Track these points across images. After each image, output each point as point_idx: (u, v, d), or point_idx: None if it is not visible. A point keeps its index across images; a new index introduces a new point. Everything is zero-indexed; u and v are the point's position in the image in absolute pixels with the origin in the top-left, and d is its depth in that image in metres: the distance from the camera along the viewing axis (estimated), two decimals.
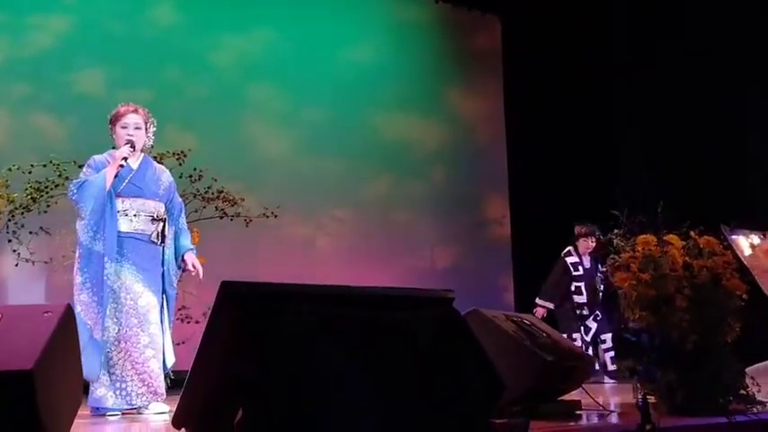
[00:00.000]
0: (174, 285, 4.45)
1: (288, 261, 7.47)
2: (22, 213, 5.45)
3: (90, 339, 3.96)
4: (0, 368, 2.08)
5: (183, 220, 4.56)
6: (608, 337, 7.00)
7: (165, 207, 4.41)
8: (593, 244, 7.14)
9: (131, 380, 4.10)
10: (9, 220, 5.41)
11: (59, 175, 5.47)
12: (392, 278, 7.77)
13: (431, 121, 9.24)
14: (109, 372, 4.08)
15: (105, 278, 4.08)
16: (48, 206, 5.49)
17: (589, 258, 7.22)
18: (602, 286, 7.05)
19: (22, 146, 6.01)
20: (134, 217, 4.24)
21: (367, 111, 8.85)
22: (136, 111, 4.39)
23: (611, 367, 6.82)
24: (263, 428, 2.18)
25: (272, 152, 8.21)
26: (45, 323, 2.23)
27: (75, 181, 4.35)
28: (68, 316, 2.34)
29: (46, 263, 5.70)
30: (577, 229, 7.25)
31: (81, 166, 5.33)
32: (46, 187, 5.44)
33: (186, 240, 4.48)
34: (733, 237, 3.98)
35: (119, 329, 4.12)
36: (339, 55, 8.76)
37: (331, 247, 8.34)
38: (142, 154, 4.45)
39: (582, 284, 7.12)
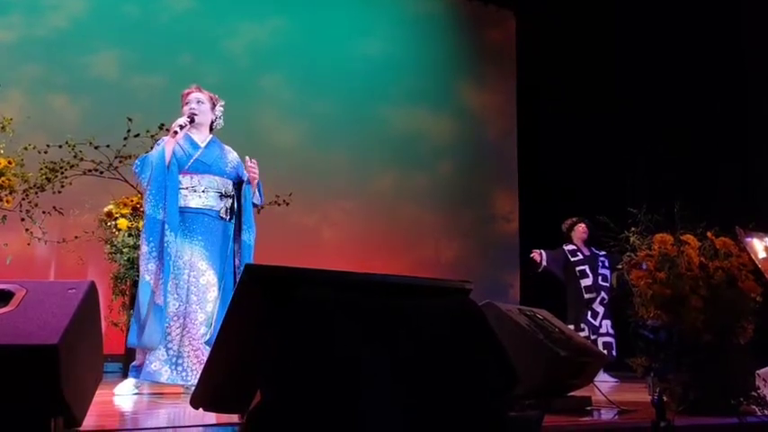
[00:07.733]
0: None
1: (293, 249, 7.47)
2: (36, 193, 5.47)
3: (154, 305, 3.99)
4: (25, 342, 2.09)
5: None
6: (607, 324, 6.99)
7: (234, 185, 4.44)
8: (586, 229, 7.18)
9: (188, 356, 4.09)
10: (23, 199, 5.42)
11: (75, 156, 5.49)
12: (396, 271, 7.72)
13: (440, 115, 9.24)
14: (165, 346, 4.07)
15: (166, 245, 4.10)
16: (62, 186, 5.52)
17: (585, 247, 7.24)
18: (604, 272, 7.06)
19: (35, 126, 6.01)
20: (202, 193, 4.28)
21: (377, 103, 8.85)
22: (198, 89, 4.56)
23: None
24: (280, 412, 2.19)
25: (280, 141, 8.21)
26: (70, 299, 2.24)
27: (140, 156, 4.48)
28: (92, 293, 2.35)
29: (58, 242, 5.71)
30: (566, 225, 7.29)
31: (97, 148, 5.38)
32: (61, 168, 5.47)
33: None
34: (748, 239, 3.97)
35: (179, 305, 4.12)
36: (350, 46, 8.77)
37: (336, 237, 8.35)
38: (210, 135, 4.52)
39: (585, 267, 7.13)
